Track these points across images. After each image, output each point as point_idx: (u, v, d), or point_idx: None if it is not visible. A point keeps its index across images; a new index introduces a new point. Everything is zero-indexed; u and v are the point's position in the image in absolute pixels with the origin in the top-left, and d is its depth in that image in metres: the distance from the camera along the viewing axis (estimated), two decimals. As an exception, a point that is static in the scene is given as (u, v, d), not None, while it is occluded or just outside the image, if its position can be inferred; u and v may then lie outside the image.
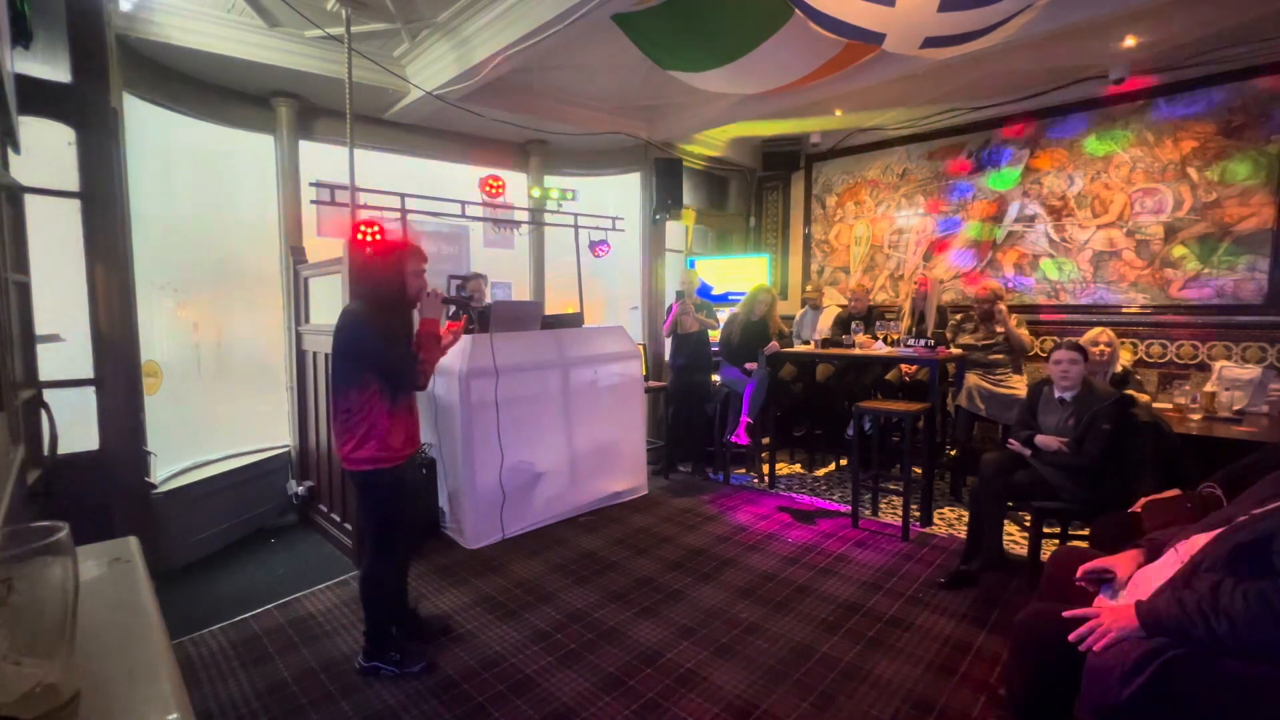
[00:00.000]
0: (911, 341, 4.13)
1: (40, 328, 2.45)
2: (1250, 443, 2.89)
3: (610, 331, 4.50)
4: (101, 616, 0.88)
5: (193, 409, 3.91)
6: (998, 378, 4.32)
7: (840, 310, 5.45)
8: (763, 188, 6.79)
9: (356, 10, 3.36)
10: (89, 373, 2.70)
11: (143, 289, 3.25)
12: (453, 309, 2.79)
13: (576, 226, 5.39)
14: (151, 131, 3.62)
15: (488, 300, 4.56)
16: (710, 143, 6.02)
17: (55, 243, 2.61)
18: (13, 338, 2.12)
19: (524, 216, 5.46)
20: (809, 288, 5.94)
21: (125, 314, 2.83)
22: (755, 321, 4.88)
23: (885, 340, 4.41)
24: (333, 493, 3.72)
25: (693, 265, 6.03)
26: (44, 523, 0.68)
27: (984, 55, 3.72)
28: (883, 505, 4.20)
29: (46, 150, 2.59)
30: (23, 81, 2.42)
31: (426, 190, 4.62)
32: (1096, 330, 3.67)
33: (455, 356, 3.48)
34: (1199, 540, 1.57)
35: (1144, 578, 1.64)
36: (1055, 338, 4.56)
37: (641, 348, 4.96)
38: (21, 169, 2.36)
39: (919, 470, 3.93)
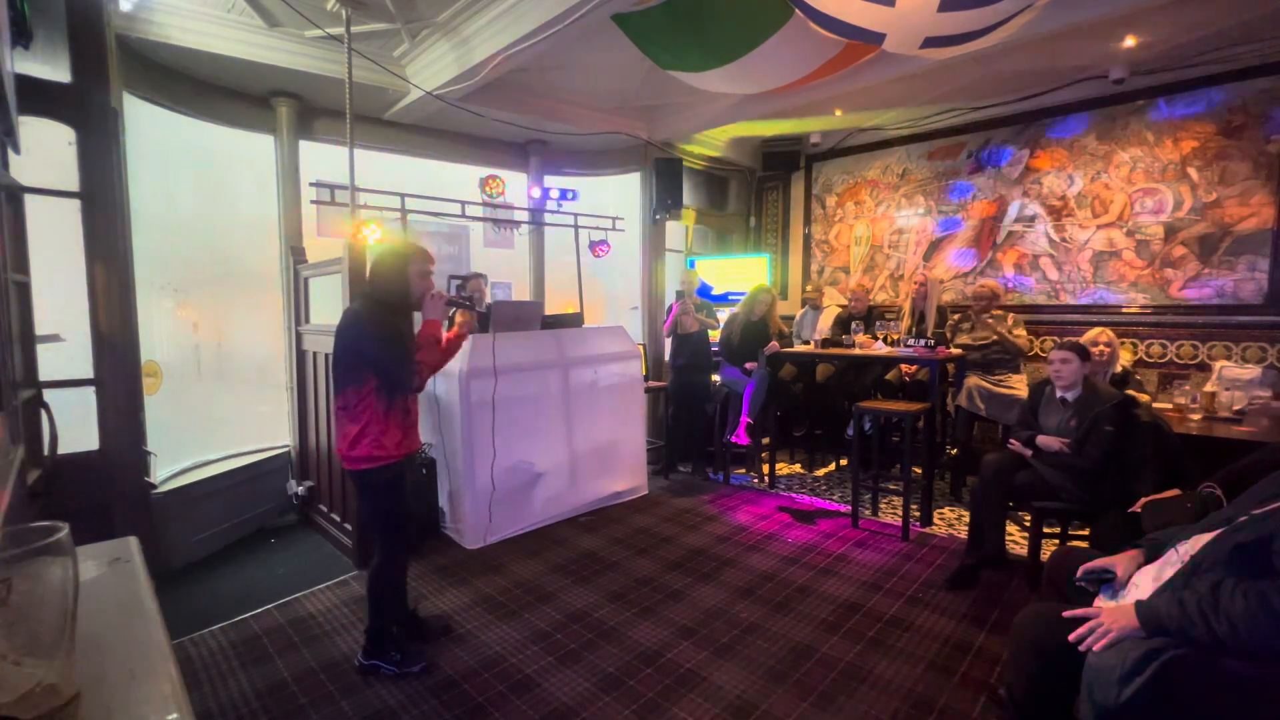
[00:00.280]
0: (911, 341, 4.13)
1: (40, 328, 2.45)
2: (1250, 443, 2.89)
3: (610, 331, 4.50)
4: (101, 616, 0.88)
5: (193, 409, 3.91)
6: (998, 378, 4.32)
7: (840, 310, 5.44)
8: (763, 188, 6.79)
9: (356, 10, 3.36)
10: (89, 373, 2.70)
11: (143, 289, 3.25)
12: (453, 310, 2.79)
13: (576, 226, 5.39)
14: (151, 131, 3.62)
15: (488, 300, 4.56)
16: (710, 143, 6.02)
17: (55, 243, 2.61)
18: (12, 338, 2.12)
19: (524, 216, 5.46)
20: (809, 288, 5.94)
21: (125, 314, 2.83)
22: (755, 321, 4.88)
23: (885, 340, 4.41)
24: (333, 493, 3.72)
25: (693, 265, 6.03)
26: (44, 523, 0.68)
27: (984, 55, 3.72)
28: (883, 505, 4.20)
29: (46, 150, 2.59)
30: (23, 81, 2.42)
31: (426, 190, 4.62)
32: (1096, 330, 3.67)
33: (455, 357, 3.47)
34: (1199, 540, 1.57)
35: (1144, 578, 1.64)
36: (1055, 338, 4.57)
37: (641, 348, 4.96)
38: (21, 169, 2.36)
39: (919, 470, 3.92)
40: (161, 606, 0.94)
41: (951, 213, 5.48)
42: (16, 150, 2.10)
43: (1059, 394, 3.06)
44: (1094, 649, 1.47)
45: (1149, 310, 4.54)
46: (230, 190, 4.19)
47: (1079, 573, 1.78)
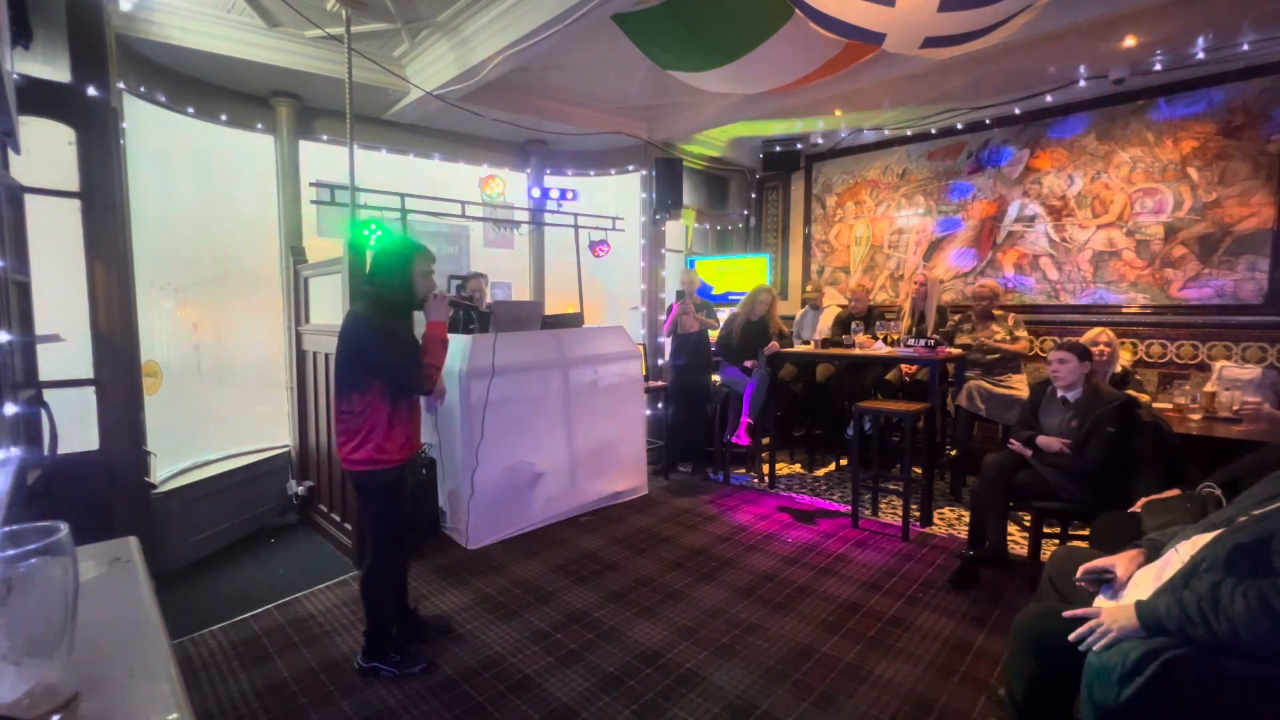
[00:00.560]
0: (911, 341, 4.13)
1: (40, 328, 2.45)
2: (1250, 443, 2.89)
3: (610, 331, 4.50)
4: (101, 616, 0.88)
5: (193, 409, 3.91)
6: (998, 378, 4.32)
7: (840, 310, 5.45)
8: (763, 188, 6.79)
9: (356, 10, 3.36)
10: (89, 373, 2.70)
11: (143, 289, 3.25)
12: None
13: (576, 226, 5.39)
14: (151, 131, 3.62)
15: (488, 300, 4.57)
16: (710, 143, 6.02)
17: (55, 243, 2.61)
18: (13, 338, 2.12)
19: (524, 216, 5.46)
20: (809, 288, 5.94)
21: (125, 314, 2.83)
22: (755, 321, 4.89)
23: (885, 340, 4.41)
24: (333, 493, 3.71)
25: (693, 265, 6.03)
26: (44, 523, 0.68)
27: (984, 55, 3.72)
28: (883, 505, 4.20)
29: (46, 150, 2.59)
30: (23, 81, 2.42)
31: (426, 190, 4.62)
32: (1096, 330, 3.67)
33: (455, 357, 3.48)
34: (1199, 540, 1.57)
35: (1144, 578, 1.64)
36: (1055, 338, 4.57)
37: (641, 348, 4.96)
38: (21, 169, 2.36)
39: (919, 470, 3.92)
40: (161, 606, 0.94)
41: (951, 213, 5.48)
42: (16, 150, 2.10)
43: (1060, 394, 3.06)
44: (1094, 649, 1.47)
45: (1149, 310, 4.54)
46: (230, 190, 4.19)
47: (1079, 573, 1.78)
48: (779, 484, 4.76)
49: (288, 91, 4.10)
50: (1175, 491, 2.23)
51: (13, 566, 0.63)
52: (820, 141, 6.06)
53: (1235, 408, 3.49)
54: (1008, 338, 4.37)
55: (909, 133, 5.59)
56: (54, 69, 2.57)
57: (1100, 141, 4.69)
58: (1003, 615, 2.76)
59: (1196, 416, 3.41)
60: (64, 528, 0.68)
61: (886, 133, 5.68)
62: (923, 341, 4.05)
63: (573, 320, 4.47)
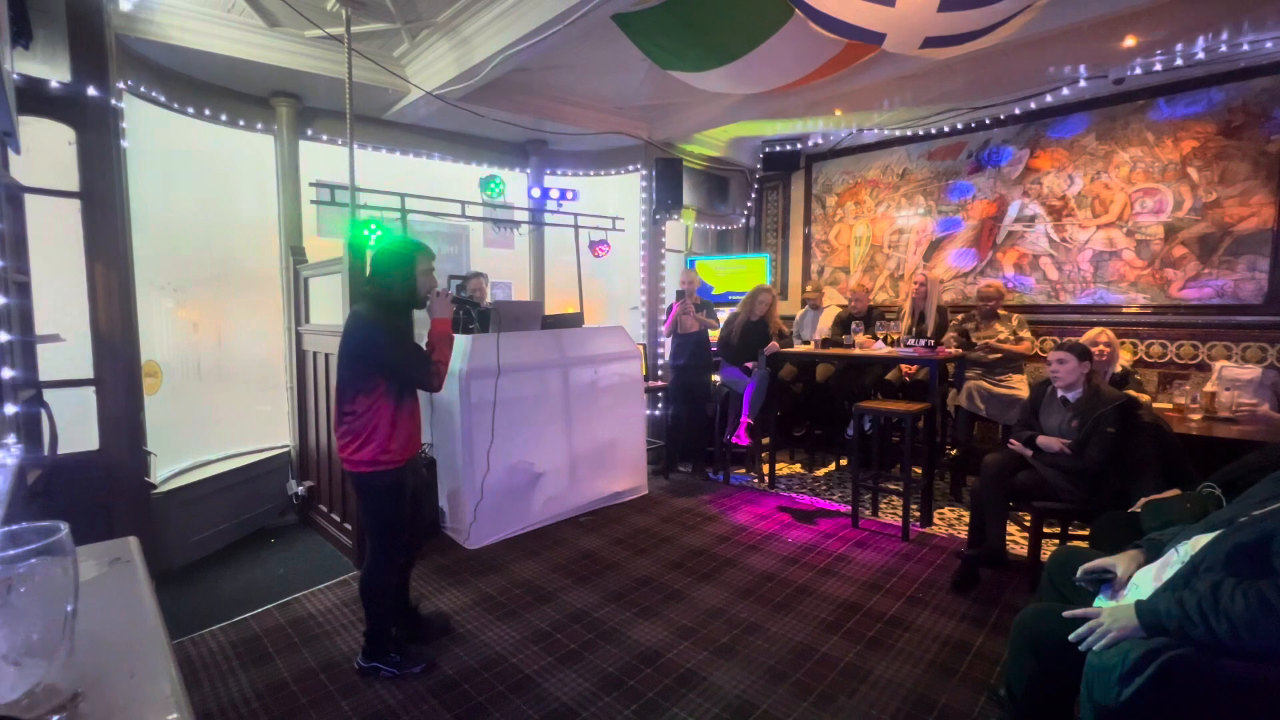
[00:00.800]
0: (911, 341, 4.13)
1: (40, 328, 2.45)
2: (1250, 442, 2.89)
3: (610, 331, 4.50)
4: (101, 616, 0.88)
5: (193, 409, 3.91)
6: (998, 378, 4.32)
7: (840, 310, 5.45)
8: (763, 188, 6.79)
9: (356, 10, 3.36)
10: (89, 373, 2.70)
11: (143, 289, 3.25)
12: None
13: (576, 226, 5.39)
14: (151, 131, 3.62)
15: (488, 300, 4.57)
16: (710, 143, 6.02)
17: (55, 243, 2.61)
18: (13, 338, 2.12)
19: (524, 216, 5.46)
20: (809, 288, 5.94)
21: (125, 314, 2.83)
22: (755, 321, 4.88)
23: (885, 340, 4.41)
24: (333, 493, 3.72)
25: (693, 265, 6.03)
26: (44, 523, 0.68)
27: (984, 55, 3.72)
28: (883, 505, 4.20)
29: (46, 150, 2.59)
30: (23, 81, 2.43)
31: (426, 190, 4.62)
32: (1096, 330, 3.67)
33: (456, 356, 3.47)
34: (1199, 540, 1.57)
35: (1144, 578, 1.64)
36: (1055, 338, 4.57)
37: (641, 348, 4.96)
38: (21, 169, 2.36)
39: (919, 470, 3.92)
40: (161, 606, 0.94)
41: (951, 213, 5.47)
42: (16, 150, 2.10)
43: (1060, 394, 3.06)
44: (1094, 649, 1.47)
45: (1149, 310, 4.54)
46: (230, 190, 4.19)
47: (1079, 573, 1.78)
48: (779, 484, 4.76)
49: (288, 91, 4.10)
50: (1175, 491, 2.23)
51: (13, 566, 0.63)
52: (820, 141, 6.06)
53: (1232, 409, 3.49)
54: (1011, 338, 4.38)
55: (909, 133, 5.59)
56: (54, 69, 2.57)
57: (1100, 141, 4.69)
58: (1003, 615, 2.76)
59: (1196, 417, 3.41)
60: (64, 528, 0.68)
61: (886, 133, 5.68)
62: (923, 341, 4.05)
63: (573, 320, 4.47)
